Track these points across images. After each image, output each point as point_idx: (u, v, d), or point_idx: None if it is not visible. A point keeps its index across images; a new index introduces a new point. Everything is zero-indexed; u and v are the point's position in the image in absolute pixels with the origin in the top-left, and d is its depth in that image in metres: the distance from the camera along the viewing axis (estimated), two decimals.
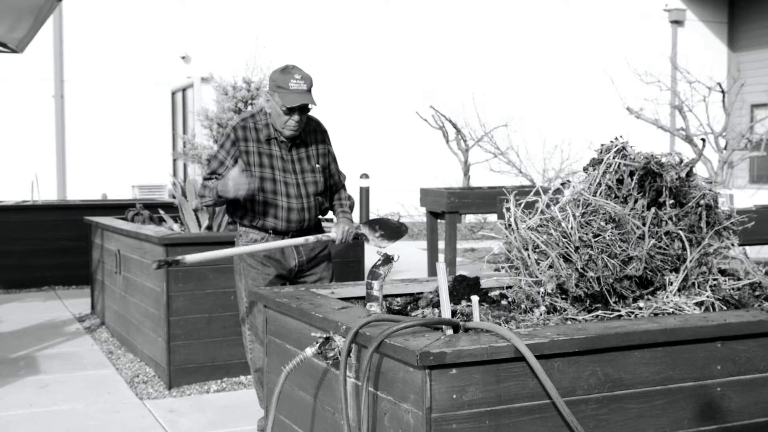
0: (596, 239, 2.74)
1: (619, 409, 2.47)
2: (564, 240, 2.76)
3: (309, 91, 4.06)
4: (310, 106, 4.09)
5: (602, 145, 3.05)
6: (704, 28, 19.14)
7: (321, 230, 4.40)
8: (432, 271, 7.93)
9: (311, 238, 4.20)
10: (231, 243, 5.51)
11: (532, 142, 14.22)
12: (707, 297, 2.89)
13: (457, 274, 3.34)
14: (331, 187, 4.44)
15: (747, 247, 3.81)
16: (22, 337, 6.89)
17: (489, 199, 7.72)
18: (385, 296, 3.31)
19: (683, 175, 2.97)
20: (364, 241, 4.38)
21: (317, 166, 4.28)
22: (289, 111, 4.05)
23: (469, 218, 14.99)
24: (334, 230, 4.29)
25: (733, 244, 3.05)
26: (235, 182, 3.99)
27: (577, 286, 2.73)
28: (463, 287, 3.15)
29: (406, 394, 2.33)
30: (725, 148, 11.89)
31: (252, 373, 4.44)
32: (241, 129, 4.16)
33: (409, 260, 9.11)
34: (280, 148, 4.19)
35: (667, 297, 2.85)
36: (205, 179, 4.26)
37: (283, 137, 4.17)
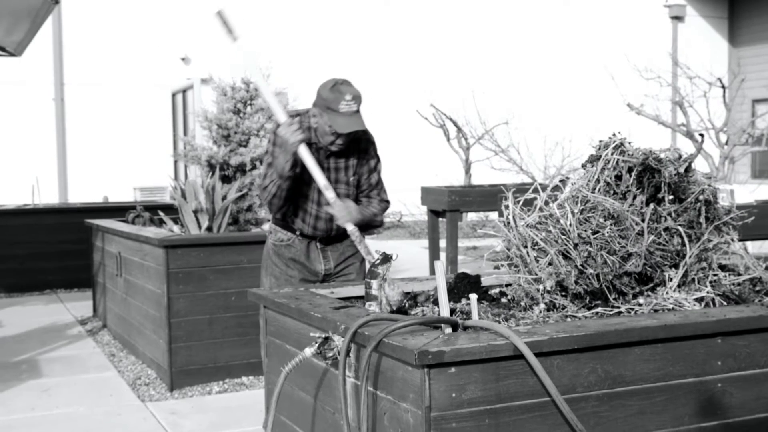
0: (595, 236, 2.73)
1: (619, 406, 2.46)
2: (563, 237, 2.75)
3: (359, 111, 3.90)
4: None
5: (600, 141, 3.03)
6: (704, 24, 19.12)
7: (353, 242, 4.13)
8: (433, 270, 7.92)
9: (316, 170, 3.88)
10: (231, 244, 5.51)
11: (532, 140, 14.22)
12: (707, 293, 2.88)
13: (459, 272, 3.33)
14: (359, 195, 4.14)
15: (748, 243, 3.80)
16: (24, 341, 6.89)
17: (490, 197, 7.71)
18: None
19: (682, 170, 2.96)
20: (358, 237, 3.97)
21: (351, 179, 4.08)
22: (338, 134, 3.90)
23: (471, 216, 14.99)
24: (339, 202, 3.92)
25: (732, 240, 3.04)
26: (286, 130, 3.81)
27: (576, 283, 2.72)
28: (464, 285, 3.14)
29: (405, 393, 2.32)
30: (726, 144, 11.87)
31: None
32: None
33: (410, 259, 9.08)
34: (318, 153, 3.99)
35: (666, 293, 2.84)
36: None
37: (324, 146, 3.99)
